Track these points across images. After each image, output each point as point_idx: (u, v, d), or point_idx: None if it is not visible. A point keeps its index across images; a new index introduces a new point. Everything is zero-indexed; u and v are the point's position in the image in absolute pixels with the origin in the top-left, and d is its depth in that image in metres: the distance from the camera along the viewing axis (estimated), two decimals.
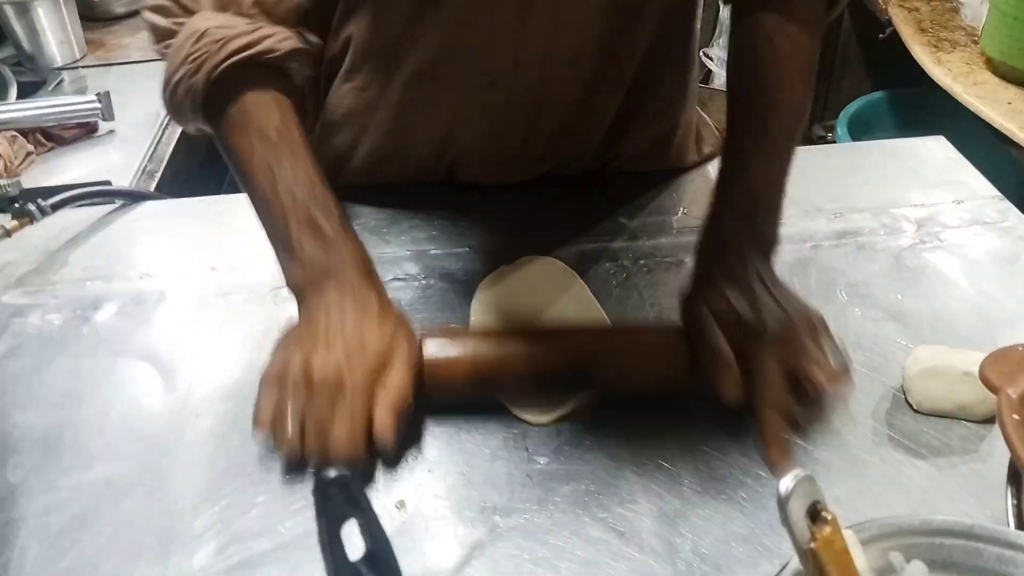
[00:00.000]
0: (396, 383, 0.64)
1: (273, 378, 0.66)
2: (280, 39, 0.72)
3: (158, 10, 0.73)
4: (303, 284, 0.69)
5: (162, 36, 0.73)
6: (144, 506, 0.65)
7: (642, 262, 0.88)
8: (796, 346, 0.67)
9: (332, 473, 0.39)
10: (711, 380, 0.67)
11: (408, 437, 0.69)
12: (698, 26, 0.94)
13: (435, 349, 0.69)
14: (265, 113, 0.71)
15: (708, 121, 1.07)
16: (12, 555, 0.61)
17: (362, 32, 0.84)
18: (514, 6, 0.78)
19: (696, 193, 0.99)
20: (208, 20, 0.70)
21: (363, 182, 0.94)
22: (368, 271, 0.70)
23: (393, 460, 0.66)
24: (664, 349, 0.71)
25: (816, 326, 0.70)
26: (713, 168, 1.03)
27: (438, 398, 0.69)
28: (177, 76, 0.70)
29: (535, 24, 0.80)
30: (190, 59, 0.69)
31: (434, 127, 0.89)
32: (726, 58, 0.82)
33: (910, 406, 0.71)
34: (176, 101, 0.72)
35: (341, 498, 0.40)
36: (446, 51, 0.81)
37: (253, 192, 0.72)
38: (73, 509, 0.64)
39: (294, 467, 0.65)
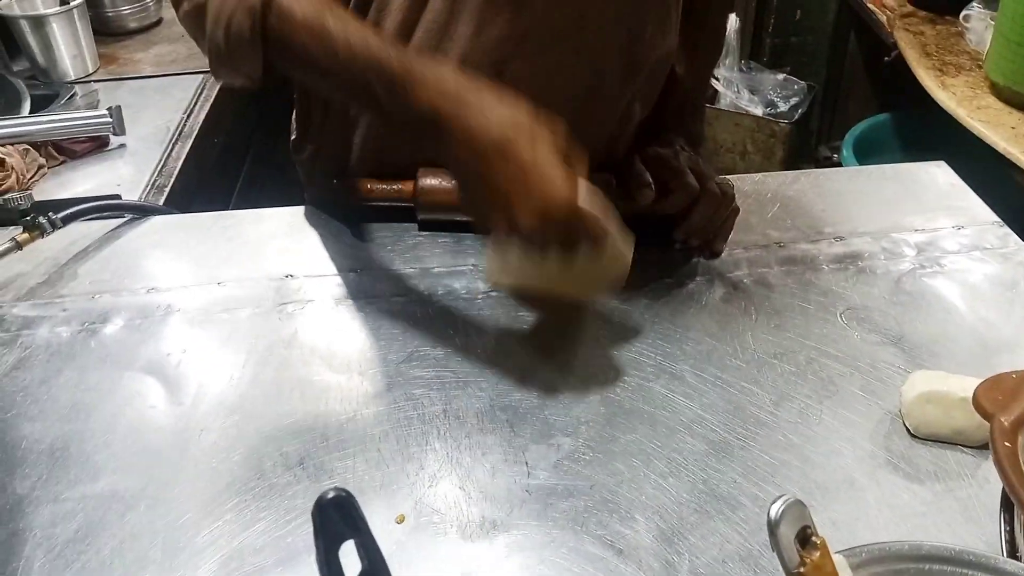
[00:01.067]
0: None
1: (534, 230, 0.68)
2: None
3: None
4: (439, 99, 0.69)
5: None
6: (148, 519, 0.65)
7: (641, 283, 0.88)
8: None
9: (331, 494, 0.40)
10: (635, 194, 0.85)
11: (410, 451, 0.70)
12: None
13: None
14: (325, 3, 0.73)
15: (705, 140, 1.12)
16: (18, 566, 0.62)
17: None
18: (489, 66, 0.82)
19: None
20: None
21: (368, 171, 0.95)
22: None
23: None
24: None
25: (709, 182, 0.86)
26: None
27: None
28: (230, 4, 0.72)
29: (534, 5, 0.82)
30: None
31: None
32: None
33: (907, 431, 0.72)
34: (234, 30, 0.72)
35: (338, 518, 0.41)
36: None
37: (331, 63, 0.72)
38: (79, 521, 0.65)
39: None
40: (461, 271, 0.90)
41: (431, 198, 0.91)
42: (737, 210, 0.90)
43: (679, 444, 0.71)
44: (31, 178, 1.16)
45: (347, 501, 0.41)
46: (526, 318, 0.84)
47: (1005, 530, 0.56)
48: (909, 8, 2.10)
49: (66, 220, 0.93)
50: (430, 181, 0.91)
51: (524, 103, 0.69)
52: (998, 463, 0.52)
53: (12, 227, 0.94)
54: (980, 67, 1.85)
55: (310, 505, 0.61)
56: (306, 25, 0.72)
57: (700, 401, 0.75)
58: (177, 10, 0.78)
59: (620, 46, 0.87)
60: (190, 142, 1.32)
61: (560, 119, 0.70)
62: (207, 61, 0.78)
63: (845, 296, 0.87)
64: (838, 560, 0.42)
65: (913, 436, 0.71)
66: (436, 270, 0.90)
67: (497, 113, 0.68)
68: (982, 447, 0.69)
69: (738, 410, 0.74)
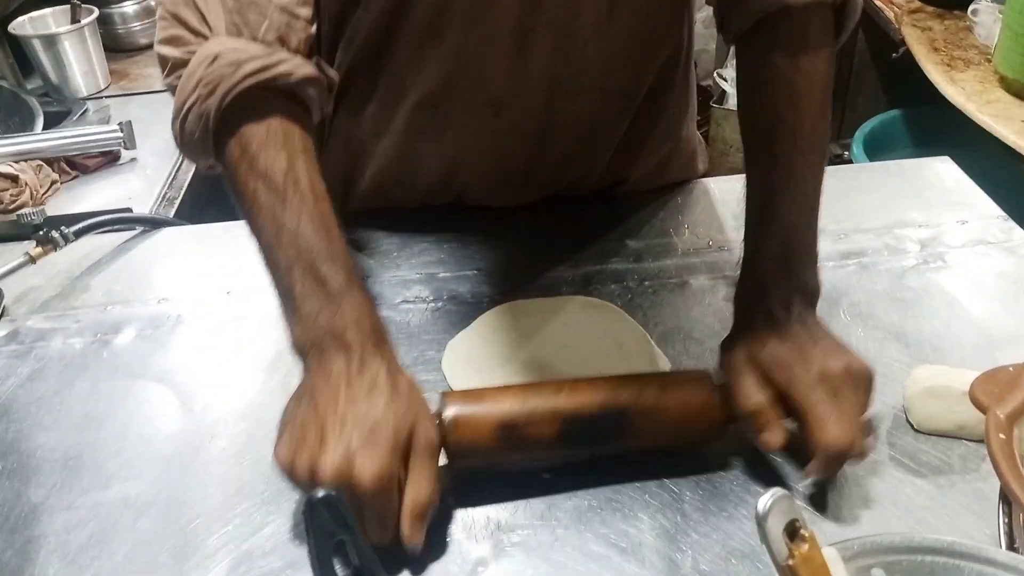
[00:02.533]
0: (417, 490, 0.60)
1: (286, 474, 0.59)
2: (297, 65, 0.67)
3: (170, 41, 0.67)
4: (305, 345, 0.63)
5: (174, 67, 0.67)
6: (160, 525, 0.67)
7: (647, 283, 0.89)
8: (841, 397, 0.65)
9: (320, 493, 0.41)
10: (755, 433, 0.66)
11: None
12: (693, 44, 0.96)
13: (456, 411, 0.65)
14: (274, 152, 0.65)
15: (699, 136, 1.08)
16: (33, 572, 0.63)
17: (366, 62, 0.85)
18: (513, 37, 0.80)
19: (701, 214, 1.00)
20: (222, 44, 0.65)
21: (370, 206, 0.96)
22: (373, 330, 0.64)
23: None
24: (698, 401, 0.68)
25: (860, 379, 0.66)
26: (714, 185, 1.05)
27: (464, 463, 0.66)
28: (189, 102, 0.65)
29: (535, 55, 0.81)
30: (203, 83, 0.64)
31: (440, 153, 0.91)
32: (737, 101, 0.79)
33: (911, 425, 0.72)
34: (187, 129, 0.66)
35: (330, 518, 0.42)
36: (449, 80, 0.83)
37: (258, 238, 0.67)
38: (92, 527, 0.67)
39: None
40: (466, 276, 0.91)
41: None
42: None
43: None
44: (44, 193, 1.18)
45: (336, 500, 0.42)
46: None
47: (1004, 522, 0.56)
48: (917, 3, 2.10)
49: (79, 234, 0.95)
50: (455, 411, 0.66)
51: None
52: (992, 456, 0.52)
53: (26, 241, 0.96)
54: (989, 61, 1.84)
55: None
56: (261, 180, 0.65)
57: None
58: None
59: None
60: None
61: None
62: None
63: (848, 292, 0.87)
64: (830, 553, 0.43)
65: (916, 431, 0.71)
66: (442, 275, 0.91)
67: (330, 406, 0.59)
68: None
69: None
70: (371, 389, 0.60)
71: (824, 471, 0.65)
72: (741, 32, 0.77)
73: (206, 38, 0.66)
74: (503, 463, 0.67)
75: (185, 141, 0.68)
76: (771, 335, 0.67)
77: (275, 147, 0.65)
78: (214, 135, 0.66)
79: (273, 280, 0.66)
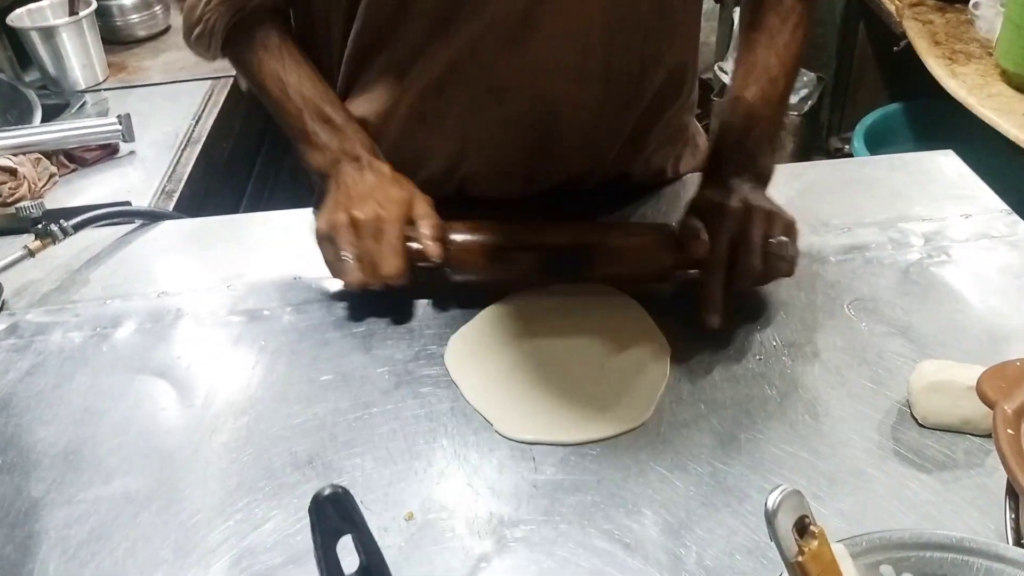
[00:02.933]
0: (424, 212, 0.82)
1: (324, 234, 0.81)
2: None
3: None
4: (324, 165, 0.85)
5: None
6: (161, 520, 0.66)
7: None
8: (745, 229, 0.79)
9: (327, 490, 0.41)
10: (686, 246, 0.80)
11: (417, 449, 0.70)
12: (699, 38, 0.96)
13: (455, 235, 0.83)
14: (265, 33, 0.87)
15: (700, 128, 1.08)
16: (34, 567, 0.63)
17: (375, 48, 0.87)
18: (518, 23, 0.80)
19: None
20: None
21: None
22: (374, 149, 0.87)
23: (441, 277, 0.84)
24: (655, 241, 0.83)
25: (774, 220, 0.80)
26: None
27: (462, 274, 0.84)
28: (196, 31, 0.86)
29: (538, 40, 0.82)
30: (204, 20, 0.85)
31: (443, 141, 0.91)
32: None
33: (915, 420, 0.71)
34: (201, 46, 0.88)
35: (336, 514, 0.41)
36: (454, 67, 0.84)
37: (267, 97, 0.87)
38: (92, 522, 0.66)
39: (361, 293, 0.82)
40: None
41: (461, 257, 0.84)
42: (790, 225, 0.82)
43: (686, 437, 0.71)
44: (43, 186, 1.17)
45: (344, 497, 0.41)
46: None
47: (1011, 518, 0.56)
48: None
49: (77, 227, 0.94)
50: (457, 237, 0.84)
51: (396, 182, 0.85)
52: (1000, 451, 0.52)
53: (24, 235, 0.95)
54: (990, 55, 1.84)
55: None
56: (264, 53, 0.87)
57: (707, 394, 0.75)
58: None
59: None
60: (199, 148, 1.33)
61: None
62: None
63: (852, 287, 0.86)
64: (839, 549, 0.42)
65: (921, 426, 0.71)
66: (439, 270, 0.91)
67: (354, 191, 0.83)
68: (990, 436, 0.69)
69: (745, 402, 0.74)
70: (382, 177, 0.84)
71: (747, 285, 0.81)
72: None
73: None
74: (491, 279, 0.85)
75: (195, 51, 0.89)
76: (715, 193, 0.82)
77: (268, 33, 0.87)
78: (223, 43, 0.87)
79: (286, 125, 0.88)
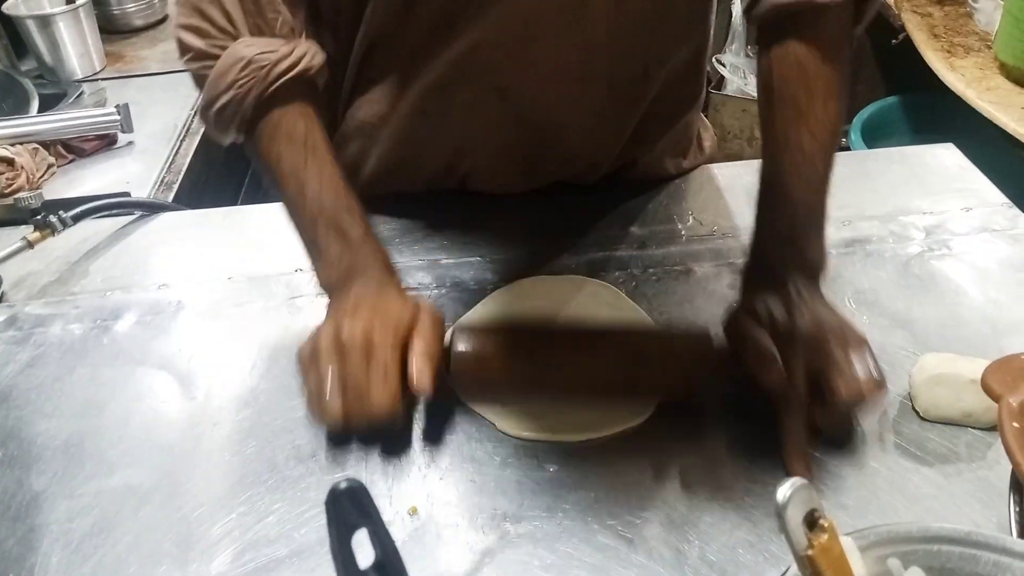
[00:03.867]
0: (426, 334, 0.69)
1: (307, 356, 0.69)
2: (312, 55, 0.76)
3: (193, 30, 0.75)
4: (332, 283, 0.75)
5: (197, 56, 0.76)
6: (163, 513, 0.66)
7: (651, 271, 0.89)
8: (825, 353, 0.68)
9: (343, 484, 0.41)
10: (754, 373, 0.68)
11: (421, 444, 0.70)
12: (711, 34, 0.95)
13: (465, 339, 0.72)
14: (292, 123, 0.75)
15: (706, 122, 1.08)
16: (36, 560, 0.63)
17: (380, 50, 0.86)
18: (521, 25, 0.80)
19: (705, 200, 1.00)
20: (249, 47, 0.74)
21: (375, 192, 0.96)
22: (389, 268, 0.76)
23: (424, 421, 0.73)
24: (702, 352, 0.72)
25: (849, 339, 0.69)
26: (719, 171, 1.04)
27: (466, 391, 0.74)
28: (223, 100, 0.74)
29: (541, 42, 0.81)
30: (237, 85, 0.73)
31: (445, 138, 0.91)
32: (756, 86, 0.82)
33: (917, 414, 0.72)
34: (223, 120, 0.75)
35: (352, 508, 0.42)
36: (457, 67, 0.83)
37: (284, 197, 0.76)
38: (94, 516, 0.66)
39: (339, 434, 0.71)
40: (469, 262, 0.91)
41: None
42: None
43: (688, 432, 0.71)
44: (41, 177, 1.17)
45: (359, 491, 0.42)
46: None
47: (1015, 511, 0.56)
48: None
49: (76, 218, 0.94)
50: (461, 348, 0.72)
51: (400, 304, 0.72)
52: (1006, 444, 0.52)
53: (23, 226, 0.95)
54: (989, 48, 1.84)
55: (323, 497, 0.62)
56: (287, 146, 0.75)
57: (707, 389, 0.75)
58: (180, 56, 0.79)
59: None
60: (197, 139, 1.32)
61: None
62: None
63: (853, 280, 0.86)
64: (846, 542, 0.43)
65: (923, 419, 0.71)
66: (444, 262, 0.91)
67: (350, 308, 0.71)
68: (992, 429, 0.69)
69: (746, 397, 0.74)
70: (384, 290, 0.73)
71: (840, 420, 0.69)
72: (765, 20, 0.78)
73: (232, 37, 0.75)
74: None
75: (219, 128, 0.77)
76: (775, 303, 0.71)
77: (293, 118, 0.76)
78: (249, 123, 0.75)
79: (298, 231, 0.77)
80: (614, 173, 1.00)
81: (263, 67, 0.73)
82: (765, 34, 0.79)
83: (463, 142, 0.91)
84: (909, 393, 0.73)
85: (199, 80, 0.77)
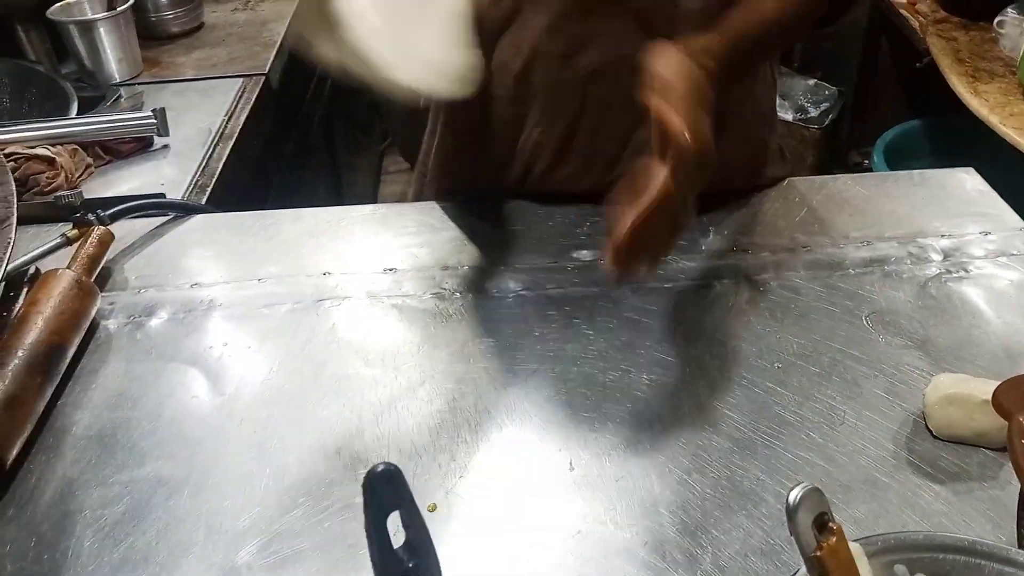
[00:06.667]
0: None
1: None
2: None
3: None
4: None
5: None
6: (192, 503, 0.68)
7: (670, 284, 0.90)
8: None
9: (380, 467, 0.43)
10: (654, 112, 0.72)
11: (441, 443, 0.72)
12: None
13: None
14: None
15: (780, 145, 1.08)
16: (70, 544, 0.65)
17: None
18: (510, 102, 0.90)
19: (726, 215, 1.00)
20: None
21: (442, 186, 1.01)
22: None
23: None
24: None
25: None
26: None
27: None
28: None
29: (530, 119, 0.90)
30: None
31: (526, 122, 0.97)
32: None
33: (930, 432, 0.73)
34: None
35: (388, 490, 0.44)
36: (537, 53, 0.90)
37: None
38: (126, 504, 0.69)
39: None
40: (493, 271, 0.93)
41: None
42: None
43: (704, 441, 0.73)
44: (79, 177, 1.20)
45: (396, 474, 0.44)
46: (556, 318, 0.86)
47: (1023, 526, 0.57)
48: (942, 14, 2.10)
49: (114, 217, 0.97)
50: None
51: None
52: (1015, 461, 0.53)
53: (60, 223, 0.98)
54: (1014, 73, 1.84)
55: (346, 492, 0.65)
56: None
57: (726, 400, 0.76)
58: None
59: None
60: (231, 144, 1.35)
61: None
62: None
63: (871, 299, 0.88)
64: (855, 548, 0.44)
65: (935, 437, 0.72)
66: (467, 269, 0.93)
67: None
68: (1003, 449, 0.70)
69: (763, 409, 0.75)
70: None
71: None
72: None
73: None
74: None
75: None
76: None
77: None
78: None
79: None
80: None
81: None
82: None
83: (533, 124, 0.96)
84: (923, 412, 0.74)
85: None
